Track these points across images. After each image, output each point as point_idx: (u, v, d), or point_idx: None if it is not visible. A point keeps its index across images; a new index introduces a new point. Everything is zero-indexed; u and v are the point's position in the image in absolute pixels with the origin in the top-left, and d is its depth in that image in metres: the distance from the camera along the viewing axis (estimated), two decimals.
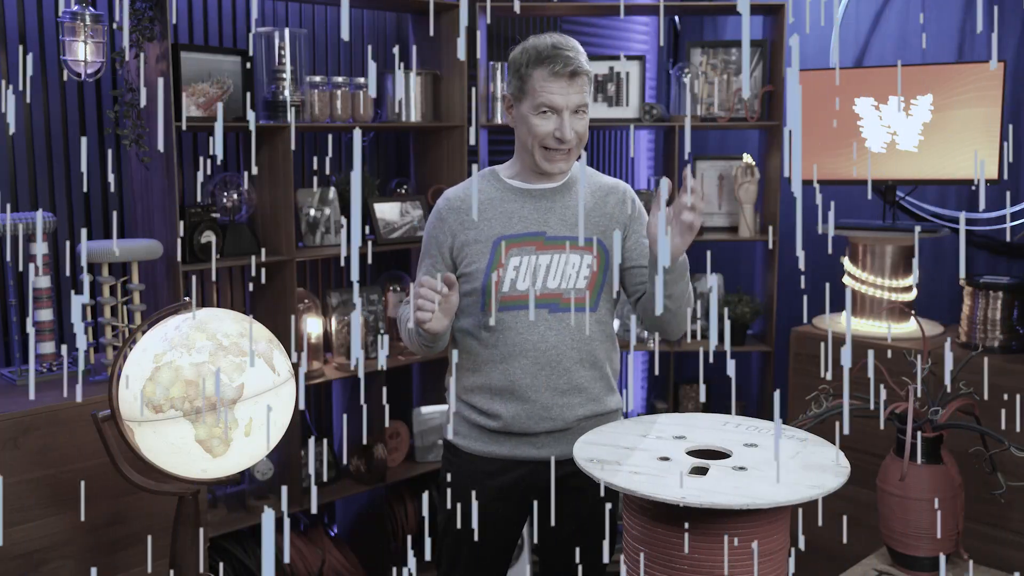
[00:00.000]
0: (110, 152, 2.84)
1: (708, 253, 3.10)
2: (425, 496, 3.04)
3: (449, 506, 2.12)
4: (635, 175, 4.44)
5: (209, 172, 3.06)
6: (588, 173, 2.14)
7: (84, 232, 2.81)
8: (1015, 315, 2.72)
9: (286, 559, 2.97)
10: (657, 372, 4.07)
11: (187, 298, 1.76)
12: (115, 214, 2.87)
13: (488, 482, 2.06)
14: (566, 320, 2.01)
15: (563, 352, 2.01)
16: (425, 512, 3.39)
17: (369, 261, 3.38)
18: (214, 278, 3.05)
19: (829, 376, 1.76)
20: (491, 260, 2.01)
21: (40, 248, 2.41)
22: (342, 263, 2.96)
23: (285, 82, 2.87)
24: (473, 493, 2.05)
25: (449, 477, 2.13)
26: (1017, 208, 3.08)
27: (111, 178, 2.86)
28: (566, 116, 1.96)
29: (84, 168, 2.80)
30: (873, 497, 1.84)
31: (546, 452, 2.04)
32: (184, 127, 2.68)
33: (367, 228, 3.20)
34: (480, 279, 2.01)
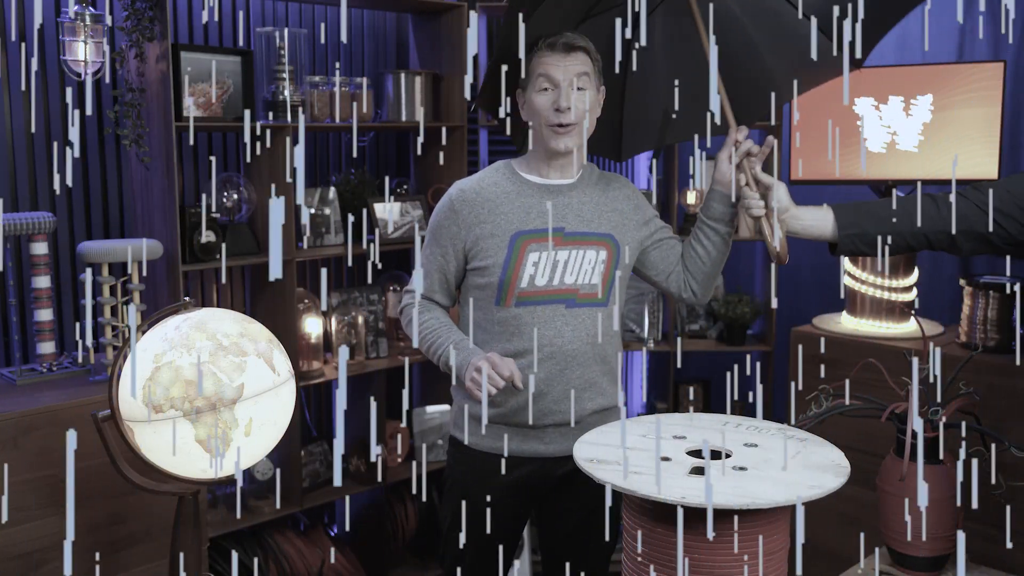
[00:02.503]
0: (110, 152, 2.84)
1: None
2: (424, 494, 3.04)
3: (453, 502, 2.12)
4: (635, 175, 4.44)
5: (209, 172, 3.06)
6: (588, 168, 2.14)
7: (84, 232, 2.81)
8: (1015, 315, 2.72)
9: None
10: (657, 372, 4.08)
11: (187, 298, 1.76)
12: (115, 214, 2.87)
13: (494, 478, 2.06)
14: (581, 316, 2.01)
15: (579, 348, 2.01)
16: (426, 511, 3.39)
17: (369, 260, 3.38)
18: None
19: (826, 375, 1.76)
20: (509, 255, 2.00)
21: (40, 248, 2.41)
22: (350, 263, 2.96)
23: (285, 82, 2.87)
24: (478, 489, 2.05)
25: (454, 473, 2.13)
26: None
27: (111, 178, 2.86)
28: (564, 87, 1.96)
29: (84, 168, 2.80)
30: (873, 497, 1.84)
31: (553, 448, 2.05)
32: (184, 127, 2.68)
33: (367, 228, 3.20)
34: (497, 273, 2.00)
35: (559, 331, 2.00)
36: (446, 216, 2.05)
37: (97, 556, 2.24)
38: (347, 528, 3.42)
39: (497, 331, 2.02)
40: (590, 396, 2.05)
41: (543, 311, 2.00)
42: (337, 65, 3.35)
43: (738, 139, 1.95)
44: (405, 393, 3.53)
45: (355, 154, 3.44)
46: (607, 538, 2.09)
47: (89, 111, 2.77)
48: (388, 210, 3.23)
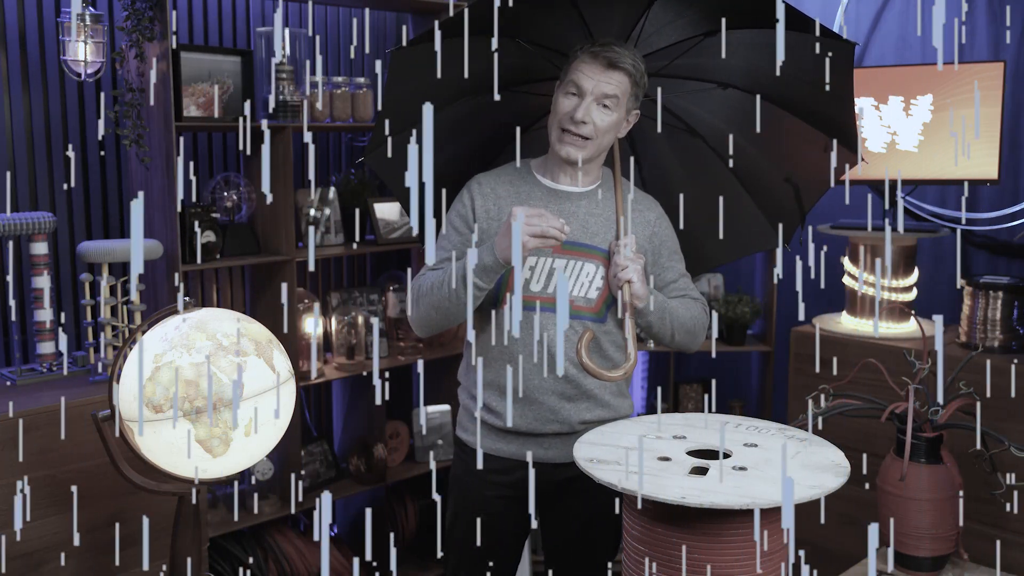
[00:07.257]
0: (110, 152, 2.84)
1: None
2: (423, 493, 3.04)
3: (456, 503, 2.12)
4: None
5: (209, 172, 3.05)
6: (610, 181, 2.08)
7: (84, 232, 2.81)
8: (1015, 315, 2.72)
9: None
10: (657, 372, 4.07)
11: (188, 298, 1.76)
12: (115, 214, 2.87)
13: (494, 479, 2.06)
14: (576, 327, 1.98)
15: (571, 358, 1.99)
16: (426, 511, 3.39)
17: (368, 259, 3.38)
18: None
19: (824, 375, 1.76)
20: None
21: (40, 248, 2.41)
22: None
23: (285, 82, 2.87)
24: (480, 490, 2.06)
25: (457, 472, 2.13)
26: (1017, 208, 3.08)
27: (111, 178, 2.86)
28: (588, 100, 1.91)
29: (84, 168, 2.80)
30: (873, 497, 1.84)
31: (552, 453, 2.04)
32: (184, 127, 2.68)
33: (367, 228, 3.20)
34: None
35: (552, 339, 1.99)
36: (464, 205, 2.04)
37: (97, 556, 2.24)
38: (347, 528, 3.42)
39: (495, 333, 2.01)
40: (587, 407, 2.03)
41: (536, 317, 1.98)
42: (338, 65, 3.34)
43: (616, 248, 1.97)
44: (406, 393, 3.53)
45: (355, 154, 3.44)
46: (609, 540, 2.08)
47: (89, 111, 2.77)
48: (388, 210, 3.23)
